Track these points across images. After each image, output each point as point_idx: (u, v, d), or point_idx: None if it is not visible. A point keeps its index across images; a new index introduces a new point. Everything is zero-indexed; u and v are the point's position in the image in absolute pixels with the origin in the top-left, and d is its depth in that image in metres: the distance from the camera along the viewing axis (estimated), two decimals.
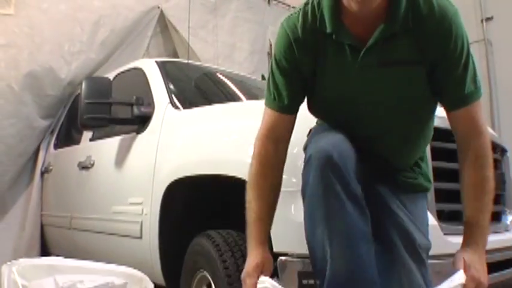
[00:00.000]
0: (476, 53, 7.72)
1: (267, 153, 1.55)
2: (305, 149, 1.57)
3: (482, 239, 1.48)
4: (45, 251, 4.15)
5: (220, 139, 2.39)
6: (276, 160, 1.57)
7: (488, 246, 2.22)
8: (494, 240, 2.27)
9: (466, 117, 1.43)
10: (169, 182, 2.51)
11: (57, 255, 3.84)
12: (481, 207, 1.46)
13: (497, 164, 2.53)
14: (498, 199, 2.46)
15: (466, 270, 1.39)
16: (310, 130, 1.70)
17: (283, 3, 6.59)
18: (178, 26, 5.11)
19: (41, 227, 4.21)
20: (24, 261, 1.54)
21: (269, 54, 6.18)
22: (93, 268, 1.62)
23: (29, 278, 1.42)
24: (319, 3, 1.44)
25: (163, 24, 5.26)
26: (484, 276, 1.42)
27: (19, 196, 4.26)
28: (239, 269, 2.02)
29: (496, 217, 2.43)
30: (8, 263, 1.51)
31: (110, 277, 1.51)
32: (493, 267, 2.17)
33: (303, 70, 1.48)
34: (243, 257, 2.05)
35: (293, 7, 6.61)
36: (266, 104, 1.58)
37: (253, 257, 1.50)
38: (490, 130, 2.75)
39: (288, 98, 1.52)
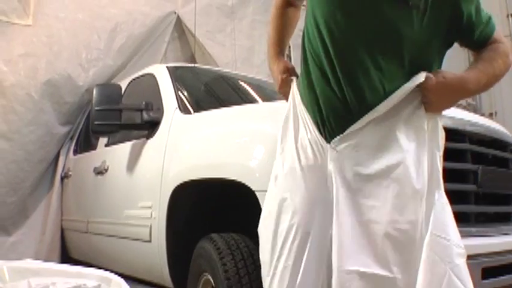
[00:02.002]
0: None
1: (277, 2, 1.83)
2: None
3: (473, 76, 1.49)
4: (65, 255, 4.23)
5: (225, 143, 2.41)
6: (285, 8, 1.84)
7: (498, 248, 2.20)
8: (504, 242, 2.24)
9: (492, 43, 1.55)
10: (175, 185, 2.54)
11: (77, 259, 3.95)
12: (486, 65, 1.51)
13: (508, 163, 2.48)
14: (508, 200, 2.41)
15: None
16: None
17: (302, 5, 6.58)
18: (196, 31, 5.15)
19: (61, 231, 4.29)
20: (1, 264, 1.58)
21: (288, 56, 6.18)
22: (68, 271, 1.66)
23: (5, 280, 1.47)
24: None
25: (180, 29, 5.31)
26: (449, 78, 1.44)
27: (40, 201, 4.36)
28: (239, 272, 2.04)
29: (505, 218, 2.38)
30: None
31: (83, 279, 1.54)
32: (502, 270, 2.14)
33: None
34: (243, 260, 2.07)
35: None
36: None
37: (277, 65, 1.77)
38: (503, 128, 2.70)
39: None
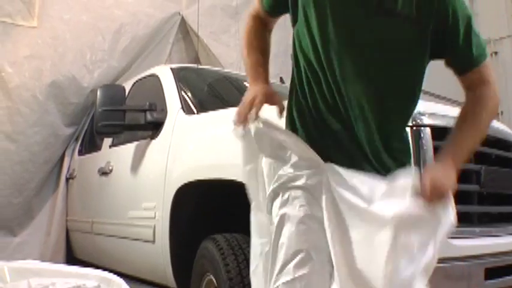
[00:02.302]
0: (509, 48, 7.59)
1: (255, 25, 1.70)
2: None
3: (456, 155, 1.41)
4: (70, 256, 4.24)
5: (229, 143, 2.40)
6: (263, 31, 1.72)
7: (502, 248, 2.19)
8: (508, 242, 2.23)
9: (478, 77, 1.46)
10: (179, 186, 2.55)
11: (82, 260, 3.96)
12: (467, 134, 1.44)
13: (510, 162, 2.46)
14: (510, 199, 2.40)
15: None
16: None
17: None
18: (200, 32, 5.16)
19: (66, 232, 4.31)
20: (2, 264, 1.59)
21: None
22: (68, 271, 1.67)
23: (5, 281, 1.48)
24: None
25: (184, 30, 5.32)
26: (447, 178, 1.36)
27: (45, 202, 4.38)
28: (241, 272, 2.04)
29: (509, 218, 2.37)
30: None
31: (83, 280, 1.55)
32: (506, 270, 2.13)
33: None
34: (246, 260, 2.07)
35: None
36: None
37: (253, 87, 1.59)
38: (507, 128, 2.69)
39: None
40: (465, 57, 1.45)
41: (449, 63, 1.48)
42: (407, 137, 1.57)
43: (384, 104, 1.41)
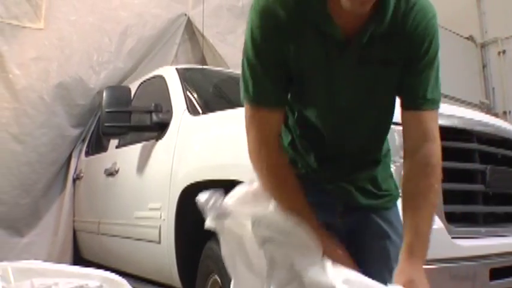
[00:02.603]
0: None
1: (278, 162, 1.40)
2: None
3: (422, 252, 1.33)
4: (77, 256, 4.26)
5: (234, 144, 2.41)
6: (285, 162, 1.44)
7: (508, 249, 2.18)
8: (509, 243, 2.22)
9: (421, 121, 1.35)
10: (183, 187, 2.56)
11: (89, 260, 3.98)
12: (424, 218, 1.34)
13: None
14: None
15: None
16: None
17: None
18: (206, 32, 5.17)
19: (73, 232, 4.33)
20: (5, 264, 1.61)
21: None
22: (71, 271, 1.67)
23: (9, 281, 1.49)
24: None
25: (190, 31, 5.33)
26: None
27: (52, 203, 4.40)
28: None
29: (509, 219, 2.35)
30: None
31: (85, 280, 1.55)
32: (511, 271, 2.12)
33: (281, 57, 1.34)
34: None
35: None
36: (250, 102, 1.39)
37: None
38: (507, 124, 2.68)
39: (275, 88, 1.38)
40: (418, 91, 1.35)
41: (400, 91, 1.39)
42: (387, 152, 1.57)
43: (370, 141, 1.47)
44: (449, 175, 2.00)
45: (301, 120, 1.46)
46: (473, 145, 2.16)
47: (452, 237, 1.89)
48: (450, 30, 7.42)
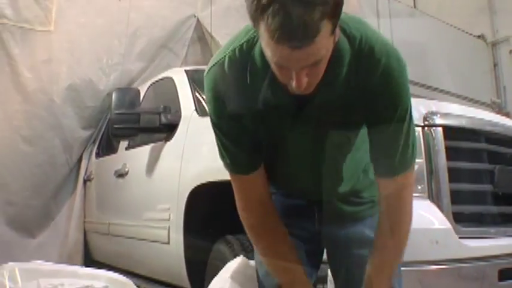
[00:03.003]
0: None
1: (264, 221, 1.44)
2: None
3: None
4: (88, 257, 4.29)
5: None
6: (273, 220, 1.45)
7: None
8: None
9: (391, 188, 1.32)
10: (192, 188, 2.57)
11: (100, 261, 4.00)
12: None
13: None
14: None
15: None
16: None
17: None
18: (215, 34, 5.18)
19: (84, 233, 4.36)
20: (13, 265, 1.63)
21: None
22: (77, 272, 1.69)
23: (16, 281, 1.50)
24: (248, 54, 1.26)
25: (200, 32, 5.33)
26: None
27: (63, 204, 4.43)
28: None
29: None
30: None
31: (91, 281, 1.57)
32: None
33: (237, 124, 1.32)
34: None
35: None
36: (227, 168, 1.43)
37: None
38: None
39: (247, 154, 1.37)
40: (385, 160, 1.31)
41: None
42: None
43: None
44: (457, 175, 2.00)
45: (272, 168, 1.45)
46: (482, 145, 2.15)
47: (460, 238, 1.88)
48: (461, 29, 7.39)
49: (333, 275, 1.56)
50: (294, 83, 1.09)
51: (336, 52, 1.16)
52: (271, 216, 1.43)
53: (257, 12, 1.03)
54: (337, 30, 1.10)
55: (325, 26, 1.02)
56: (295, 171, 1.44)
